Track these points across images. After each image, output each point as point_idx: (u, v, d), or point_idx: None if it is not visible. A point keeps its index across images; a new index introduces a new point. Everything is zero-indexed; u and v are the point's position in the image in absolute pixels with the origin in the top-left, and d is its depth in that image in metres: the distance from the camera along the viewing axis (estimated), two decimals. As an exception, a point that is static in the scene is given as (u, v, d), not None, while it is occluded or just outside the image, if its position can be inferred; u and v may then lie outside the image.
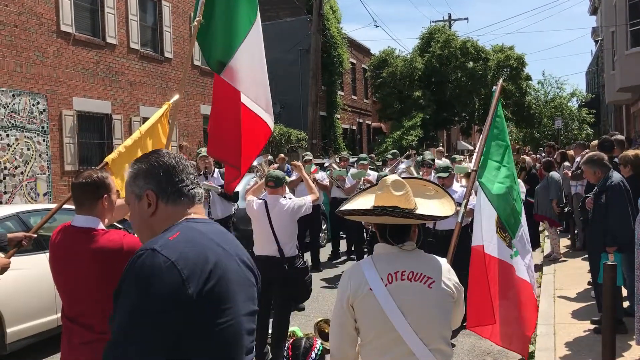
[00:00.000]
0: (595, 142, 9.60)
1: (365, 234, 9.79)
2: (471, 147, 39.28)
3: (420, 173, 8.48)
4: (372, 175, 9.80)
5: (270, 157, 10.50)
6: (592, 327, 6.18)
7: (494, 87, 4.76)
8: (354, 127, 34.55)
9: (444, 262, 2.66)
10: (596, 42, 36.16)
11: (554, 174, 10.12)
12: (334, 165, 11.20)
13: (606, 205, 5.86)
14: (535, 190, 10.31)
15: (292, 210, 5.68)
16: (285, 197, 5.85)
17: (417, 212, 2.55)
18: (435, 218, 2.63)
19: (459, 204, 3.95)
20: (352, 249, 10.95)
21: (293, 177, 9.97)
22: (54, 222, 6.06)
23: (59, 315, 3.08)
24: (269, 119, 4.83)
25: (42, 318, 6.08)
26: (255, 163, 8.33)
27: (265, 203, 5.69)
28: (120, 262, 2.93)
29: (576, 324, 6.43)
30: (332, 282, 9.31)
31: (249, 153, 4.80)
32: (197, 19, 4.39)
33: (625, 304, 6.34)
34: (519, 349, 4.23)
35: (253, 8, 4.69)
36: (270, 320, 5.83)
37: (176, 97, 4.49)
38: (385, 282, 2.50)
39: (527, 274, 4.22)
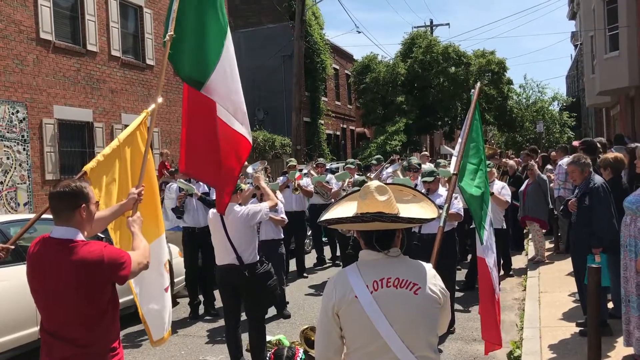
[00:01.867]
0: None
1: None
2: (454, 152, 39.39)
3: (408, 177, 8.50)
4: (358, 179, 9.78)
5: (266, 163, 10.46)
6: (577, 329, 6.20)
7: (472, 90, 4.79)
8: (338, 133, 34.59)
9: (429, 267, 2.63)
10: (575, 46, 36.64)
11: (542, 176, 10.26)
12: (312, 172, 11.17)
13: (590, 207, 5.90)
14: (519, 193, 10.34)
15: (246, 217, 5.62)
16: (240, 204, 5.80)
17: (404, 215, 2.53)
18: (423, 221, 2.62)
19: (442, 208, 3.98)
20: (337, 254, 10.92)
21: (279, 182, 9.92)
22: (34, 233, 5.96)
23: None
24: (246, 132, 4.80)
25: (22, 331, 5.96)
26: (249, 170, 8.27)
27: None
28: (101, 274, 2.88)
29: (562, 327, 6.45)
30: (318, 289, 9.26)
31: (230, 168, 4.77)
32: (169, 33, 4.36)
33: (610, 306, 6.38)
34: (496, 340, 4.34)
35: (224, 23, 4.70)
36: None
37: (153, 105, 4.44)
38: (371, 289, 2.47)
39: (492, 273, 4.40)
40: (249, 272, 5.58)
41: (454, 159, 4.72)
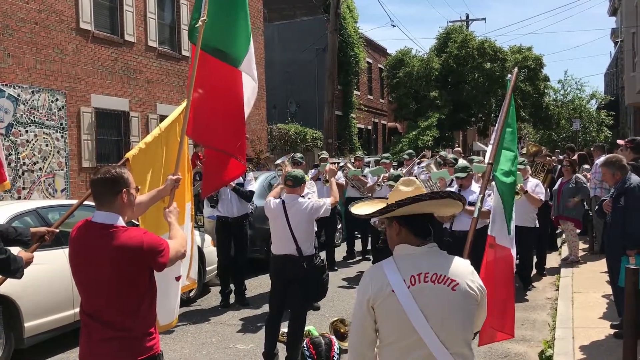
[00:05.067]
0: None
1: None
2: (487, 149, 38.86)
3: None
4: (394, 174, 9.71)
5: (298, 155, 10.51)
6: (612, 331, 6.09)
7: (509, 75, 4.70)
8: (370, 127, 34.47)
9: (467, 264, 2.62)
10: (615, 43, 35.76)
11: (581, 176, 10.05)
12: (348, 165, 11.16)
13: (625, 207, 5.78)
14: (554, 191, 10.15)
15: (309, 210, 5.71)
16: (303, 196, 5.87)
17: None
18: (462, 199, 2.62)
19: (474, 204, 4.00)
20: (368, 248, 10.92)
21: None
22: (72, 218, 6.11)
23: (76, 310, 3.10)
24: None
25: (59, 313, 6.12)
26: (278, 161, 8.32)
27: (283, 202, 5.72)
28: (140, 260, 2.94)
29: (595, 328, 6.35)
30: (348, 282, 9.28)
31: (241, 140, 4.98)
32: (202, 18, 4.43)
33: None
34: (509, 330, 4.31)
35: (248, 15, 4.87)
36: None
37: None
38: (408, 283, 2.47)
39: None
40: (307, 264, 5.66)
41: (489, 148, 4.66)
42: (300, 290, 5.72)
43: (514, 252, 4.45)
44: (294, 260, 5.65)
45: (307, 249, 5.71)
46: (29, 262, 3.61)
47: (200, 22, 4.44)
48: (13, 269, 3.49)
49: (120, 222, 2.99)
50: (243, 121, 4.89)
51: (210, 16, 4.51)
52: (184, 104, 4.50)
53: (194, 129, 4.84)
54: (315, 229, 8.07)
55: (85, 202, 4.15)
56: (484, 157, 11.34)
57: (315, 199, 6.12)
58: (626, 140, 9.47)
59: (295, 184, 5.74)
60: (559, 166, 12.03)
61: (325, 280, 5.90)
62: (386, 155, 11.59)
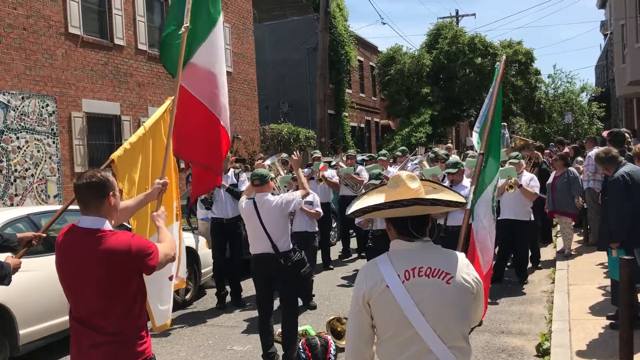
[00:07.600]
0: None
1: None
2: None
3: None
4: (392, 171, 9.68)
5: (284, 155, 10.47)
6: (608, 322, 6.09)
7: (497, 63, 4.64)
8: (362, 125, 34.46)
9: (462, 256, 2.60)
10: (605, 35, 35.88)
11: (574, 169, 10.01)
12: (341, 163, 11.14)
13: (605, 201, 5.79)
14: (547, 185, 10.15)
15: (280, 206, 5.72)
16: (273, 193, 5.92)
17: (442, 198, 2.52)
18: (459, 204, 2.59)
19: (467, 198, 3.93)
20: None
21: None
22: (64, 224, 6.08)
23: (72, 316, 3.06)
24: (227, 126, 4.90)
25: (54, 319, 6.08)
26: (268, 162, 8.27)
27: (254, 202, 5.74)
28: (128, 264, 2.90)
29: (592, 320, 6.35)
30: (344, 281, 9.26)
31: (218, 153, 4.93)
32: (185, 25, 4.38)
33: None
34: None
35: (217, 8, 4.72)
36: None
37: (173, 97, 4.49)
38: (403, 278, 2.45)
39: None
40: (284, 260, 5.66)
41: (475, 136, 4.60)
42: (284, 288, 5.75)
43: (479, 236, 4.22)
44: (271, 258, 5.67)
45: (283, 245, 5.71)
46: (16, 268, 3.56)
47: (183, 29, 4.39)
48: (0, 275, 3.45)
49: (107, 226, 2.95)
50: (219, 135, 4.81)
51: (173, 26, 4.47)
52: (167, 102, 4.47)
53: (176, 145, 4.86)
54: (316, 229, 8.13)
55: (77, 207, 4.11)
56: (473, 150, 11.32)
57: (284, 194, 6.18)
58: (607, 133, 9.48)
59: (262, 182, 5.75)
60: (544, 160, 12.01)
61: (306, 273, 5.90)
62: (383, 152, 11.54)
